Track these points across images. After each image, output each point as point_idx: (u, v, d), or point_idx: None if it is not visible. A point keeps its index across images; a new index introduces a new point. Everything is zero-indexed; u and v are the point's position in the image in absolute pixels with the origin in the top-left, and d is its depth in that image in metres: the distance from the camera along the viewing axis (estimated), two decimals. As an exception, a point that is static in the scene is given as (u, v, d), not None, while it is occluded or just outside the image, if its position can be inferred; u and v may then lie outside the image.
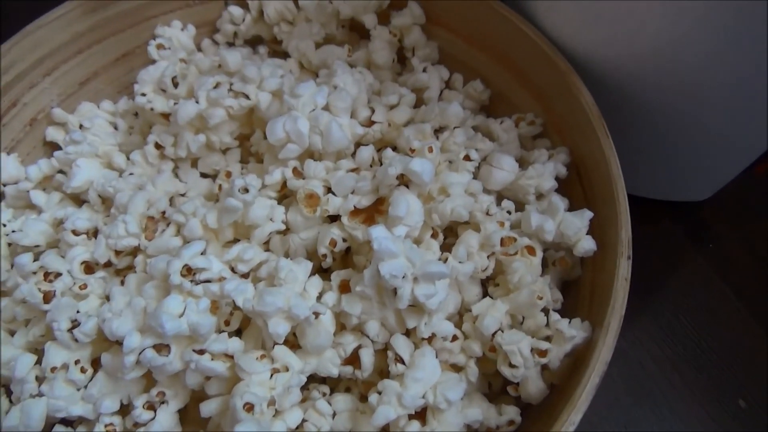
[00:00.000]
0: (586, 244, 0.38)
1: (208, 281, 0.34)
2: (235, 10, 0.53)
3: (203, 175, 0.46)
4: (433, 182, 0.38)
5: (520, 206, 0.42)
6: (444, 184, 0.38)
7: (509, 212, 0.41)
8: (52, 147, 0.49)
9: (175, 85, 0.45)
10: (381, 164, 0.42)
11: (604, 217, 0.39)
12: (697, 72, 0.39)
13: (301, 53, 0.49)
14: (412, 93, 0.46)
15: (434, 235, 0.38)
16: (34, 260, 0.37)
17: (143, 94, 0.45)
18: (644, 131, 0.45)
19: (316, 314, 0.34)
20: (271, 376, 0.33)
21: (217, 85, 0.42)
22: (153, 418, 0.34)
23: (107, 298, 0.38)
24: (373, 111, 0.43)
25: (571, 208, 0.42)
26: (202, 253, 0.35)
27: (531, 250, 0.38)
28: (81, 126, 0.48)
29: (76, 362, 0.35)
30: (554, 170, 0.42)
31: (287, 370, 0.33)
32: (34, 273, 0.36)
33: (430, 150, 0.38)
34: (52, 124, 0.50)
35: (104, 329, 0.33)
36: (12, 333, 0.39)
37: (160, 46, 0.47)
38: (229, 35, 0.54)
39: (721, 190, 0.52)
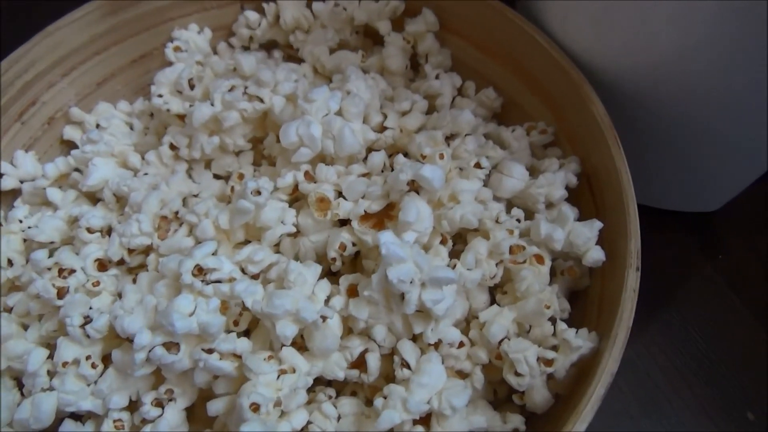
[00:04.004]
0: (595, 255, 0.38)
1: (218, 281, 0.34)
2: (252, 15, 0.53)
3: (216, 177, 0.46)
4: (444, 189, 0.38)
5: (529, 215, 0.42)
6: (454, 191, 0.38)
7: (519, 220, 0.41)
8: (69, 145, 0.50)
9: (191, 87, 0.45)
10: (392, 170, 0.43)
11: (613, 227, 0.39)
12: (708, 81, 0.39)
13: (315, 58, 0.50)
14: (425, 99, 0.46)
15: (443, 242, 0.38)
16: (49, 257, 0.38)
17: (160, 96, 0.45)
18: (655, 141, 0.45)
19: (324, 318, 0.34)
20: (278, 377, 0.33)
21: (232, 89, 0.42)
22: (160, 415, 0.34)
23: (119, 295, 0.39)
24: (385, 117, 0.44)
25: (581, 218, 0.42)
26: (213, 254, 0.35)
27: (539, 259, 0.38)
28: (98, 125, 0.49)
29: (87, 358, 0.35)
30: (565, 179, 0.42)
31: (294, 371, 0.33)
32: (49, 269, 0.37)
33: (441, 157, 0.39)
34: (70, 123, 0.50)
35: (116, 326, 0.34)
36: (26, 327, 0.39)
37: (177, 49, 0.48)
38: (244, 39, 0.55)
39: (732, 201, 0.52)
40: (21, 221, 0.43)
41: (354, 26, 0.52)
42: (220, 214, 0.37)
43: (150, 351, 0.32)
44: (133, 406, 0.36)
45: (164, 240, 0.38)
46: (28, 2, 0.62)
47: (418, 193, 0.37)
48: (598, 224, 0.38)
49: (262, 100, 0.42)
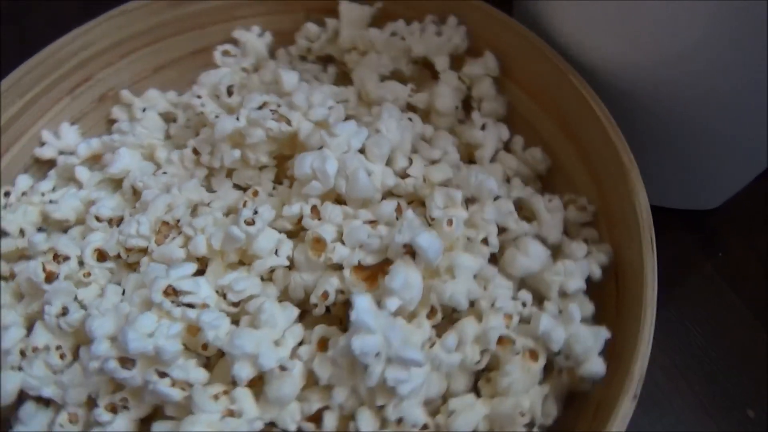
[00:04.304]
0: (594, 368, 0.34)
1: (190, 305, 0.34)
2: (312, 28, 0.52)
3: (237, 187, 0.46)
4: (443, 258, 0.35)
5: (542, 298, 0.39)
6: (452, 264, 0.35)
7: (524, 304, 0.37)
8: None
9: (230, 94, 0.45)
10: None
11: (624, 335, 0.35)
12: (708, 80, 0.39)
13: (362, 84, 0.48)
14: (456, 153, 0.43)
15: (431, 314, 0.35)
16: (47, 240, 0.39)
17: (199, 96, 0.45)
18: (654, 139, 0.45)
19: (282, 368, 0.33)
20: (222, 417, 0.32)
21: (262, 106, 0.41)
22: (110, 421, 0.34)
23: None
24: (411, 162, 0.41)
25: (599, 315, 0.39)
26: (193, 275, 0.34)
27: (533, 355, 0.35)
28: (145, 110, 0.50)
29: (57, 348, 0.36)
30: (587, 271, 0.38)
31: (240, 416, 0.32)
32: (45, 252, 0.38)
33: (450, 223, 0.36)
34: (119, 103, 0.52)
35: (85, 325, 0.34)
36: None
37: (226, 53, 0.48)
38: (302, 50, 0.54)
39: (732, 199, 0.52)
40: (43, 194, 0.44)
41: (411, 57, 0.50)
42: (215, 233, 0.37)
43: (105, 362, 0.32)
44: (92, 402, 0.36)
45: (160, 246, 0.38)
46: (28, 2, 0.62)
47: (414, 257, 0.34)
48: (604, 334, 0.34)
49: (289, 123, 0.41)
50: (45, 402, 0.37)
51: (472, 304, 0.36)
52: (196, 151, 0.43)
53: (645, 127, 0.44)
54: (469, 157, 0.47)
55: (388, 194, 0.42)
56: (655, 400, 0.45)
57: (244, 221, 0.35)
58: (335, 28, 0.52)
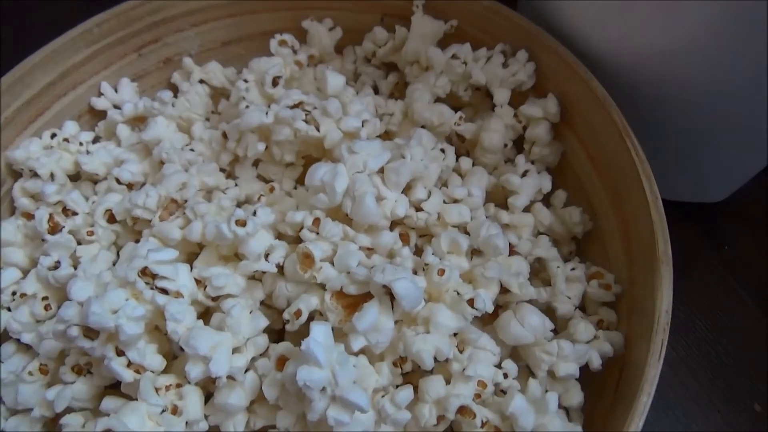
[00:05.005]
0: (554, 468, 0.31)
1: (164, 291, 0.34)
2: (381, 33, 0.51)
3: (260, 178, 0.46)
4: (425, 307, 0.33)
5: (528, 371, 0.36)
6: (430, 317, 0.33)
7: (506, 375, 0.34)
8: (173, 89, 0.53)
9: (275, 84, 0.44)
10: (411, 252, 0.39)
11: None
12: (713, 72, 0.39)
13: (411, 101, 0.46)
14: (482, 196, 0.40)
15: (401, 361, 0.33)
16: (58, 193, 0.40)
17: (245, 81, 0.45)
18: (660, 132, 0.45)
19: (230, 378, 0.32)
20: (162, 412, 0.32)
21: (296, 105, 0.40)
22: (72, 383, 0.35)
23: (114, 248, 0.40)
24: (429, 195, 0.39)
25: (589, 407, 0.35)
26: (172, 262, 0.34)
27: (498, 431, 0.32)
28: (202, 81, 0.51)
29: (44, 298, 0.37)
30: (586, 357, 0.35)
31: (180, 415, 0.32)
32: (55, 204, 0.39)
33: (441, 273, 0.34)
34: (180, 69, 0.53)
35: (68, 284, 0.35)
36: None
37: (282, 42, 0.47)
38: (368, 52, 0.52)
39: (738, 192, 0.52)
40: (81, 144, 0.45)
41: (470, 83, 0.47)
42: (210, 224, 0.36)
43: (69, 328, 0.33)
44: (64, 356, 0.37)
45: (162, 222, 0.38)
46: (28, 2, 0.62)
47: (392, 300, 0.32)
48: (577, 433, 0.31)
49: (318, 128, 0.40)
50: (25, 346, 0.39)
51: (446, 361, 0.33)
52: (225, 135, 0.43)
53: (651, 119, 0.43)
54: (504, 200, 0.44)
55: (399, 223, 0.40)
56: (661, 393, 0.42)
57: (236, 221, 0.35)
58: (404, 37, 0.50)
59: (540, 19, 0.45)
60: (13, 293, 0.38)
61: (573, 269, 0.40)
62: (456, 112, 0.46)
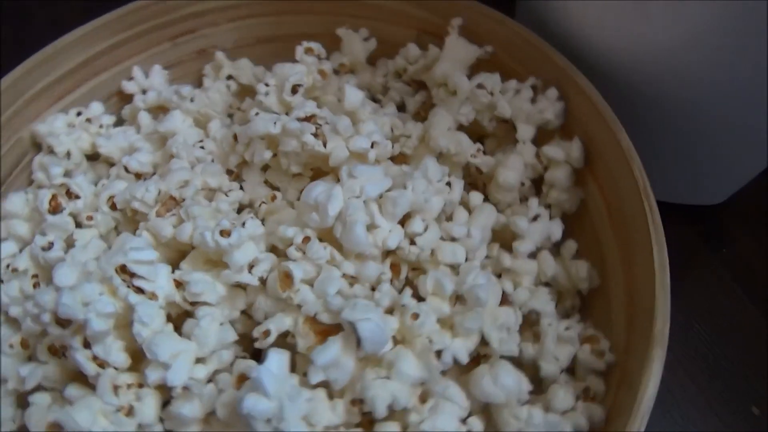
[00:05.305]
0: None
1: (140, 290, 0.34)
2: (413, 50, 0.49)
3: (267, 183, 0.45)
4: (391, 351, 0.32)
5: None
6: (394, 362, 0.31)
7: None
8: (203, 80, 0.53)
9: (294, 92, 0.44)
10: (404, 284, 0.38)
11: None
12: (713, 72, 0.39)
13: (430, 126, 0.44)
14: (481, 237, 0.39)
15: (358, 403, 0.32)
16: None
17: (266, 84, 0.45)
18: (658, 133, 0.45)
19: (185, 389, 0.32)
20: (117, 411, 0.32)
21: (307, 118, 0.40)
22: (45, 363, 0.36)
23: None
24: (425, 230, 0.38)
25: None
26: (151, 263, 0.34)
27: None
28: (230, 77, 0.51)
29: (34, 276, 0.38)
30: (556, 429, 0.33)
31: (133, 416, 0.32)
32: (59, 186, 0.40)
33: (415, 317, 0.32)
34: (212, 62, 0.53)
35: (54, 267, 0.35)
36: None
37: (308, 50, 0.46)
38: (399, 68, 0.51)
39: (737, 194, 0.52)
40: (101, 126, 0.46)
41: (495, 114, 0.45)
42: (199, 227, 0.36)
43: (42, 314, 0.33)
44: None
45: (157, 218, 0.39)
46: (28, 2, 0.62)
47: (359, 338, 0.31)
48: None
49: (325, 144, 0.39)
50: (13, 319, 0.40)
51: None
52: (236, 138, 0.43)
53: (650, 121, 0.43)
54: (511, 242, 0.42)
55: (393, 253, 0.38)
56: (658, 395, 0.43)
57: (220, 231, 0.34)
58: (435, 57, 0.48)
59: (538, 19, 0.45)
60: (8, 266, 0.39)
61: (567, 328, 0.37)
62: (475, 143, 0.44)
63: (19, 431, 0.36)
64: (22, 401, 0.38)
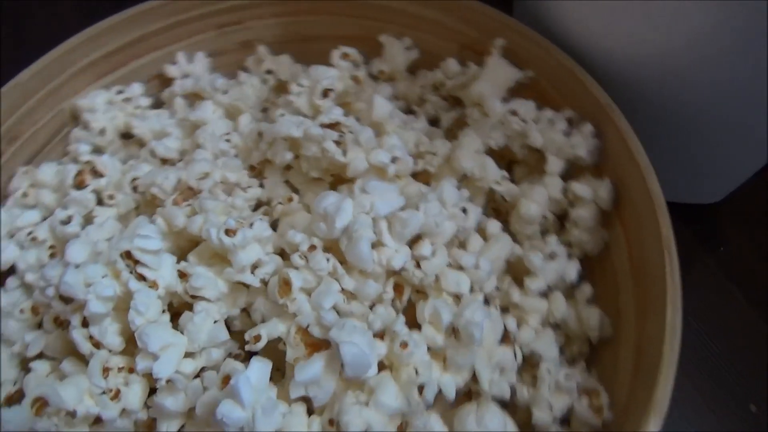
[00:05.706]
0: None
1: (143, 277, 0.34)
2: (453, 65, 0.48)
3: (288, 183, 0.45)
4: (374, 377, 0.31)
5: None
6: (375, 389, 0.31)
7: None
8: (245, 71, 0.53)
9: (325, 95, 0.44)
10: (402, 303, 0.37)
11: None
12: (711, 72, 0.39)
13: (457, 146, 0.43)
14: (490, 270, 0.37)
15: (335, 423, 0.32)
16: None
17: (300, 85, 0.45)
18: (656, 132, 0.44)
19: (168, 381, 0.32)
20: (103, 393, 0.32)
21: (331, 125, 0.39)
22: (49, 332, 0.37)
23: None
24: (433, 254, 0.37)
25: None
26: (156, 252, 0.35)
27: None
28: (269, 71, 0.51)
29: (51, 246, 0.39)
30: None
31: (118, 399, 0.33)
32: (86, 163, 0.41)
33: (404, 347, 0.31)
34: (255, 55, 0.53)
35: (67, 242, 0.36)
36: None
37: (345, 56, 0.46)
38: (437, 81, 0.50)
39: (733, 193, 0.52)
40: (137, 107, 0.47)
41: (526, 142, 0.43)
42: (208, 221, 0.36)
43: (47, 287, 0.34)
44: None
45: (174, 207, 0.39)
46: (28, 2, 0.60)
47: (341, 361, 0.31)
48: None
49: (345, 153, 0.39)
50: (28, 285, 0.41)
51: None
52: (261, 135, 0.43)
53: (647, 119, 0.43)
54: (523, 277, 0.41)
55: (397, 274, 0.38)
56: None
57: (226, 230, 0.34)
58: (475, 75, 0.47)
59: (537, 20, 0.45)
60: (29, 233, 0.40)
61: (567, 376, 0.36)
62: (505, 168, 0.43)
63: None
64: (25, 366, 0.39)
